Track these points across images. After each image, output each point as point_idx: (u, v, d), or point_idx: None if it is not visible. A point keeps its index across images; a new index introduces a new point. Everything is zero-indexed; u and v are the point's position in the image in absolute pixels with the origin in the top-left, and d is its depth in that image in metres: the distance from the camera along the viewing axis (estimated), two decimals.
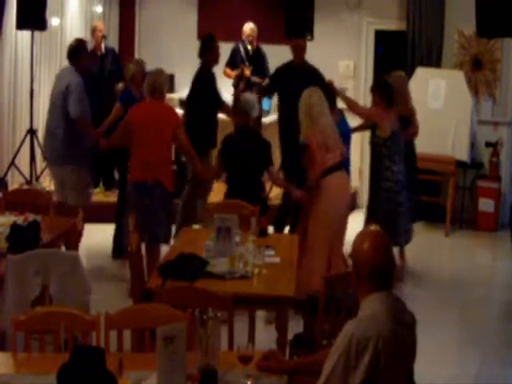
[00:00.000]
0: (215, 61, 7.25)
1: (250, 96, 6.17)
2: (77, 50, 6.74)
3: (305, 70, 7.07)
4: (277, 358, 3.00)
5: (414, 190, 7.05)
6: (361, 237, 2.81)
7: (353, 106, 6.91)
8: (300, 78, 6.77)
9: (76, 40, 6.99)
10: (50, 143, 6.71)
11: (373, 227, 2.90)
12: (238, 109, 6.07)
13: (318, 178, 5.71)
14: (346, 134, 6.35)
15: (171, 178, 5.93)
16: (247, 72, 8.77)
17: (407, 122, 6.92)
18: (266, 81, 7.88)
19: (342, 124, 6.38)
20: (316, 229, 5.72)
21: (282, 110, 7.32)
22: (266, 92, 7.76)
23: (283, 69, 7.24)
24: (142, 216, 5.53)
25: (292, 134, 6.21)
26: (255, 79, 8.79)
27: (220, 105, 7.36)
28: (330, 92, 6.39)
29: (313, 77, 6.87)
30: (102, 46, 8.65)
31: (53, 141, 6.65)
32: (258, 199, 5.70)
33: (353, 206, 7.34)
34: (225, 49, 9.11)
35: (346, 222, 5.97)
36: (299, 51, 7.13)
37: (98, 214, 7.50)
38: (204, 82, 7.16)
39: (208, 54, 7.17)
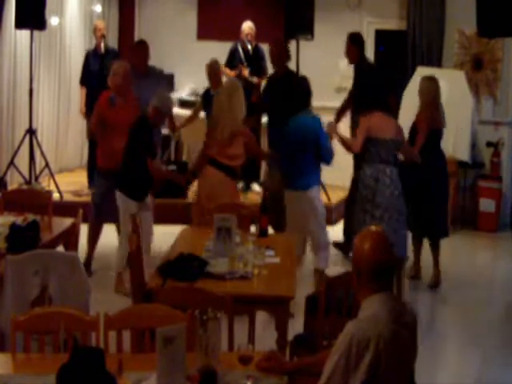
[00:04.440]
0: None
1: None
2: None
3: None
4: (277, 358, 2.99)
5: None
6: (361, 237, 2.80)
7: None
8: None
9: None
10: None
11: (373, 227, 2.89)
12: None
13: None
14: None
15: None
16: (245, 72, 8.75)
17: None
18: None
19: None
20: None
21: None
22: None
23: None
24: None
25: None
26: (254, 79, 8.78)
27: None
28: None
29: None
30: (102, 45, 8.63)
31: None
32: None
33: None
34: (225, 48, 9.12)
35: None
36: None
37: None
38: None
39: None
